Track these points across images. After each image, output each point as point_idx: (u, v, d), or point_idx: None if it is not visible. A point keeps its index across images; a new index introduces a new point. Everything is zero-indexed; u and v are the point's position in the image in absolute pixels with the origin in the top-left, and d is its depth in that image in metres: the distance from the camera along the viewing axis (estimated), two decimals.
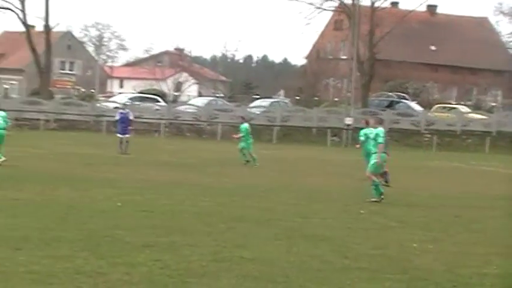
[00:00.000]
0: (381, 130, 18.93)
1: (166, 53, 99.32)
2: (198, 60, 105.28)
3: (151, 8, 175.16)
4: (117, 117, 32.72)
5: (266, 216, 15.53)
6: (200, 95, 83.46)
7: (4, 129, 23.88)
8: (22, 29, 60.73)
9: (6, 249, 10.73)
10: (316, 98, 67.28)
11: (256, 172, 26.46)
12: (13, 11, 57.75)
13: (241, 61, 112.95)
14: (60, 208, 14.93)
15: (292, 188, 21.62)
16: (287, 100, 68.86)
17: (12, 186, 17.72)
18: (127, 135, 31.59)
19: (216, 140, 45.99)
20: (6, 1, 57.57)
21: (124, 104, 39.76)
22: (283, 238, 12.96)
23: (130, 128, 31.93)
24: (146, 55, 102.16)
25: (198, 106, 55.99)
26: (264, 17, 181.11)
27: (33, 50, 58.68)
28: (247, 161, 28.62)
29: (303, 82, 74.79)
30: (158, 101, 58.27)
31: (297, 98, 69.95)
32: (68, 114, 51.09)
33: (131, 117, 32.65)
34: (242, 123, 29.86)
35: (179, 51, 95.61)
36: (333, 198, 19.42)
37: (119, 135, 31.66)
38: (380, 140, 18.62)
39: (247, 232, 13.51)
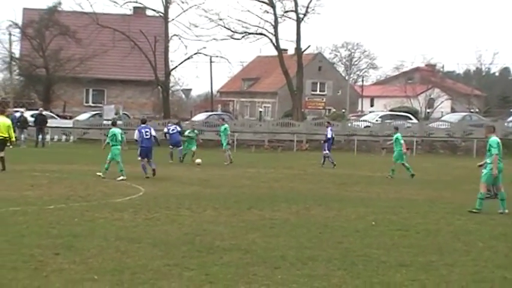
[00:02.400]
0: (493, 140, 18.06)
1: (417, 69, 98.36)
2: (450, 75, 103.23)
3: (401, 24, 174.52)
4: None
5: None
6: (453, 110, 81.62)
7: (119, 145, 24.87)
8: (274, 53, 62.97)
9: (265, 268, 11.00)
10: None
11: None
12: (266, 36, 60.08)
13: (497, 74, 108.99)
14: (315, 227, 15.10)
15: None
16: None
17: (269, 207, 18.22)
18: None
19: (471, 157, 44.51)
20: (260, 27, 60.04)
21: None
22: None
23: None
24: (396, 72, 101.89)
25: (451, 122, 54.69)
26: None
27: (286, 73, 60.53)
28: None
29: None
30: (410, 119, 57.71)
31: None
32: (319, 134, 51.94)
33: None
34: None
35: (430, 67, 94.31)
36: None
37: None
38: (493, 150, 17.86)
39: (508, 251, 12.86)
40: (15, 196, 18.97)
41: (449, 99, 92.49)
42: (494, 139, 18.16)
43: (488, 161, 18.09)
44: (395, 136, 29.12)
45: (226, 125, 35.61)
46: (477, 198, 18.12)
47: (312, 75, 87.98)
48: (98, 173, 24.72)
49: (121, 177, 23.92)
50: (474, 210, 17.85)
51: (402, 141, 28.69)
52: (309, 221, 16.00)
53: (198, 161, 31.17)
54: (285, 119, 59.28)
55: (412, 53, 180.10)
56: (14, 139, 27.56)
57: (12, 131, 26.58)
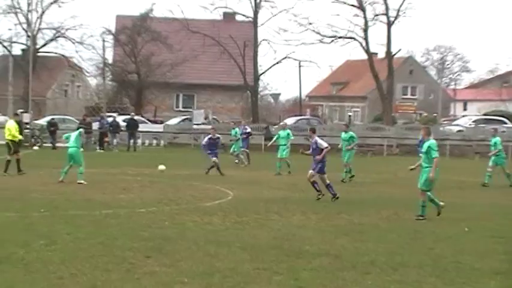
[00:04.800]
0: (432, 142, 17.08)
1: None
2: None
3: (496, 26, 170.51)
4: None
5: None
6: None
7: (76, 147, 24.03)
8: (364, 57, 62.53)
9: (354, 274, 10.88)
10: None
11: None
12: (356, 40, 59.69)
13: None
14: (405, 233, 14.86)
15: None
16: None
17: (358, 212, 18.04)
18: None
19: None
20: (350, 31, 59.69)
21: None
22: None
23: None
24: (491, 76, 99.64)
25: None
26: None
27: (376, 76, 59.97)
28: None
29: None
30: (505, 123, 56.27)
31: None
32: (410, 139, 51.23)
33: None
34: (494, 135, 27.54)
35: None
36: None
37: None
38: (434, 154, 16.80)
39: None
40: (108, 199, 19.36)
41: None
42: (434, 142, 17.35)
43: (425, 164, 17.18)
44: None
45: (249, 129, 35.58)
46: (419, 206, 17.04)
47: (402, 78, 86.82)
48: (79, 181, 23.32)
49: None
50: (420, 218, 16.83)
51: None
52: (399, 227, 15.76)
53: (161, 167, 27.47)
54: (375, 124, 58.72)
55: (507, 55, 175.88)
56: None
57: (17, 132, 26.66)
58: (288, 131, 31.40)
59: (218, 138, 29.24)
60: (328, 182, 20.37)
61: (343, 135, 27.54)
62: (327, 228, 15.23)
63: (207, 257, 11.86)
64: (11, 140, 26.29)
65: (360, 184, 26.23)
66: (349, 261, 11.73)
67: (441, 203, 17.37)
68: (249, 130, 35.88)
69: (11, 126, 26.57)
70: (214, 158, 28.33)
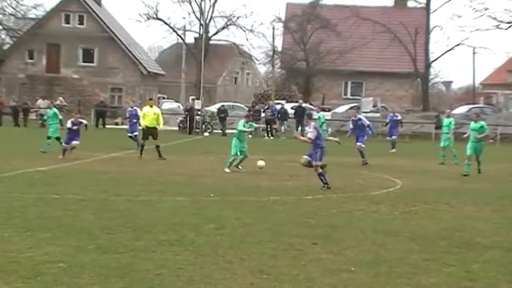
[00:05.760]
0: None
1: None
2: None
3: None
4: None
5: None
6: None
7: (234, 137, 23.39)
8: None
9: None
10: None
11: None
12: None
13: None
14: None
15: None
16: None
17: None
18: None
19: None
20: None
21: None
22: None
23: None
24: None
25: None
26: None
27: None
28: None
29: None
30: None
31: None
32: None
33: None
34: None
35: None
36: None
37: None
38: None
39: None
40: (275, 186, 19.54)
41: None
42: None
43: None
44: None
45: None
46: None
47: None
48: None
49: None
50: None
51: None
52: None
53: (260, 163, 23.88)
54: None
55: None
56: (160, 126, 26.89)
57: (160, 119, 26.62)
58: (451, 119, 30.28)
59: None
60: (320, 171, 18.94)
61: (473, 125, 25.15)
62: (501, 220, 14.64)
63: (374, 246, 11.69)
64: (154, 127, 26.41)
65: None
66: None
67: None
68: (399, 118, 36.04)
69: (157, 113, 26.77)
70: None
